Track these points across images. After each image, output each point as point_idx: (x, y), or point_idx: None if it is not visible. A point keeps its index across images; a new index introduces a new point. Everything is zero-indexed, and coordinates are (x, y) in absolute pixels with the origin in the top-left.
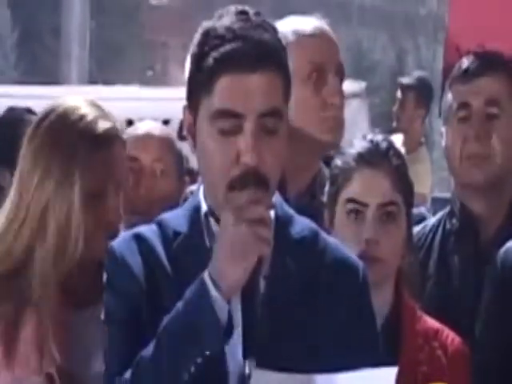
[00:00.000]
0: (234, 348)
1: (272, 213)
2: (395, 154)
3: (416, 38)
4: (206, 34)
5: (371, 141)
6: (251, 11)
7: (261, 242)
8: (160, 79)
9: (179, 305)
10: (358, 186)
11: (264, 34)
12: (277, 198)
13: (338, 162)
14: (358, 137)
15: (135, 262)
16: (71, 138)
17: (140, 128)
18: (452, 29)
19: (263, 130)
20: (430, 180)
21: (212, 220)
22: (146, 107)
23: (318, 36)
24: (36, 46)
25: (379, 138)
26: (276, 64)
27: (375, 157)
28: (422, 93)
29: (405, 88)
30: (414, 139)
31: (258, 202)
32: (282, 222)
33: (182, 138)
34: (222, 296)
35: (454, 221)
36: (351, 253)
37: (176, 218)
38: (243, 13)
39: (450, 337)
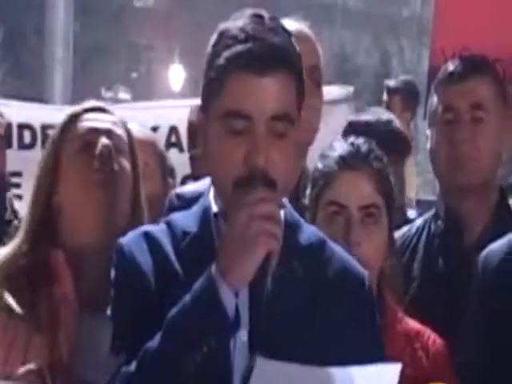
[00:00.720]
0: (240, 342)
1: (282, 215)
2: (376, 158)
3: (400, 40)
4: (221, 35)
5: (352, 144)
6: (267, 15)
7: (269, 238)
8: (145, 81)
9: (186, 297)
10: (339, 188)
11: (277, 37)
12: (286, 204)
13: (319, 164)
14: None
15: (144, 259)
16: None
17: None
18: (437, 31)
19: (273, 133)
20: (413, 184)
21: (222, 221)
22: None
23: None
24: (19, 47)
25: (360, 141)
26: (287, 68)
27: (356, 160)
28: (409, 96)
29: (391, 91)
30: None
31: (268, 199)
32: (291, 228)
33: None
34: (229, 290)
35: (439, 223)
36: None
37: (185, 219)
38: (258, 16)
39: (432, 338)
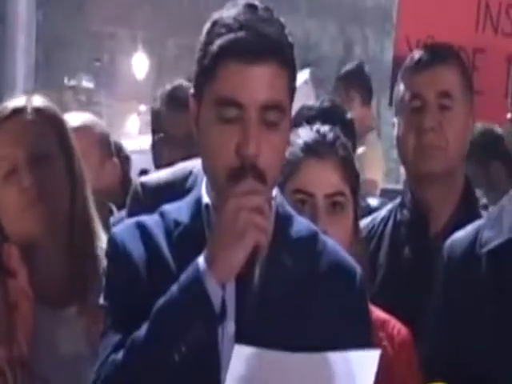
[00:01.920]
0: (227, 334)
1: (273, 208)
2: (342, 145)
3: (364, 29)
4: (214, 23)
5: (318, 131)
6: (260, 6)
7: (257, 230)
8: (107, 70)
9: (173, 288)
10: (304, 176)
11: (270, 27)
12: (278, 196)
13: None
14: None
15: (136, 248)
16: None
17: None
18: (400, 19)
19: (264, 122)
20: (382, 167)
21: (213, 211)
22: None
23: None
24: None
25: (326, 128)
26: (280, 59)
27: (322, 147)
28: (349, 77)
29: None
30: (359, 123)
31: (256, 191)
32: (282, 220)
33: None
34: (216, 281)
35: (405, 212)
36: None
37: (178, 209)
38: (251, 6)
39: (397, 327)
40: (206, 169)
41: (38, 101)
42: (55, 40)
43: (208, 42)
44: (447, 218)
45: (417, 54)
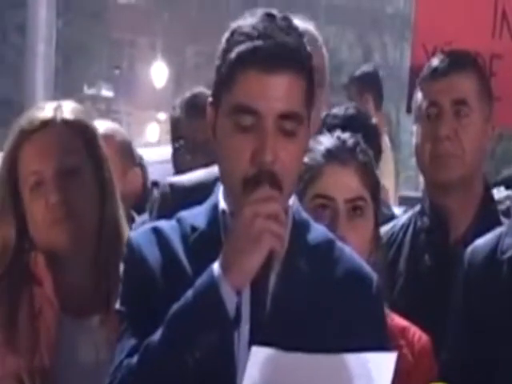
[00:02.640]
0: (242, 339)
1: (289, 215)
2: (362, 151)
3: (383, 36)
4: (233, 32)
5: (338, 137)
6: (279, 15)
7: (273, 237)
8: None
9: (188, 293)
10: (325, 181)
11: (288, 37)
12: (295, 203)
13: (305, 158)
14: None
15: (152, 253)
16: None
17: None
18: (418, 27)
19: (281, 131)
20: (391, 173)
21: (229, 217)
22: None
23: None
24: (1, 44)
25: (346, 135)
26: (297, 68)
27: (343, 153)
28: (362, 80)
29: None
30: None
31: (272, 199)
32: (299, 227)
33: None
34: (231, 287)
35: (425, 219)
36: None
37: (194, 215)
38: (270, 15)
39: (417, 335)
40: (223, 176)
41: (68, 111)
42: (75, 48)
43: (226, 50)
44: (467, 224)
45: (434, 61)
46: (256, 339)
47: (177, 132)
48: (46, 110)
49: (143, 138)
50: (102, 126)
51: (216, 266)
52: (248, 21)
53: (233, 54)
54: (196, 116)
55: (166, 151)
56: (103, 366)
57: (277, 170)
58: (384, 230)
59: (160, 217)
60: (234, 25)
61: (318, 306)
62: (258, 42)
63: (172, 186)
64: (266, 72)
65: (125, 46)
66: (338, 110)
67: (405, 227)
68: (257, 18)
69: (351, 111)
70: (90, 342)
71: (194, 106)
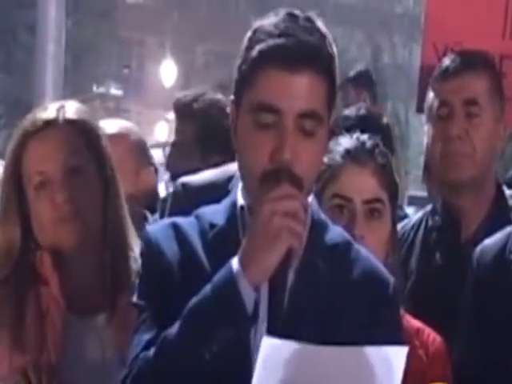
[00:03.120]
0: (260, 335)
1: (308, 214)
2: (381, 153)
3: (392, 36)
4: (255, 31)
5: (357, 139)
6: (301, 15)
7: (291, 235)
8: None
9: (207, 288)
10: (344, 181)
11: (310, 36)
12: (313, 204)
13: (324, 158)
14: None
15: (170, 248)
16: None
17: None
18: (428, 26)
19: (301, 130)
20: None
21: (247, 213)
22: None
23: None
24: (11, 43)
25: (365, 136)
26: (319, 68)
27: (361, 154)
28: (358, 79)
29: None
30: None
31: (291, 197)
32: (317, 227)
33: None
34: (249, 283)
35: (437, 218)
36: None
37: (213, 212)
38: (293, 15)
39: (431, 336)
40: (242, 171)
41: (71, 111)
42: (84, 47)
43: (248, 48)
44: (478, 224)
45: (445, 61)
46: (273, 335)
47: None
48: (48, 111)
49: (152, 136)
50: (115, 124)
51: (235, 262)
52: (270, 20)
53: (254, 52)
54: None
55: None
56: (109, 364)
57: (296, 169)
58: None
59: (172, 216)
60: (256, 24)
61: (335, 305)
62: (280, 40)
63: (184, 185)
64: (287, 70)
65: (134, 45)
66: (349, 112)
67: (416, 226)
68: (279, 17)
69: (363, 112)
70: (96, 341)
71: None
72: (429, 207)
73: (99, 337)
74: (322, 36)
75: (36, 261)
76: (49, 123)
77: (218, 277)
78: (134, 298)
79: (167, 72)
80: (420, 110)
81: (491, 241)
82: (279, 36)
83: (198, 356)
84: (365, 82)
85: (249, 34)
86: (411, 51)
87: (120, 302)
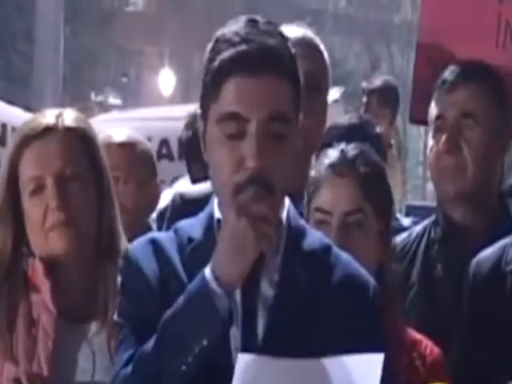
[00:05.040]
0: (234, 344)
1: (283, 220)
2: (364, 162)
3: (390, 46)
4: (216, 41)
5: (342, 150)
6: (261, 20)
7: (262, 239)
8: (134, 85)
9: (180, 299)
10: (325, 194)
11: (270, 39)
12: (291, 209)
13: (312, 172)
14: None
15: (149, 264)
16: None
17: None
18: (423, 40)
19: (270, 134)
20: (398, 185)
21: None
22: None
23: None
24: (10, 51)
25: (350, 146)
26: (282, 70)
27: (342, 166)
28: (385, 94)
29: (368, 92)
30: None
31: (260, 200)
32: (295, 234)
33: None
34: (221, 290)
35: (438, 229)
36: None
37: (191, 226)
38: (253, 21)
39: (429, 347)
40: (215, 186)
41: (70, 118)
42: (82, 55)
43: (211, 59)
44: (479, 236)
45: (445, 73)
46: (248, 343)
47: (191, 153)
48: (47, 117)
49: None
50: (123, 133)
51: (207, 270)
52: (231, 27)
53: (216, 63)
54: None
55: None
56: (100, 373)
57: (266, 173)
58: (400, 238)
59: (171, 226)
60: (217, 33)
61: (315, 313)
62: (241, 47)
63: (183, 197)
64: (249, 76)
65: (132, 54)
66: (342, 121)
67: (419, 237)
68: (239, 24)
69: (353, 121)
70: (88, 349)
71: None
72: (432, 218)
73: (90, 345)
74: (283, 38)
75: (28, 268)
76: (48, 129)
77: (191, 286)
78: (115, 316)
79: (165, 81)
80: (412, 120)
81: (487, 253)
82: (240, 43)
83: (175, 368)
84: (390, 99)
85: (210, 44)
86: (409, 61)
87: (112, 310)
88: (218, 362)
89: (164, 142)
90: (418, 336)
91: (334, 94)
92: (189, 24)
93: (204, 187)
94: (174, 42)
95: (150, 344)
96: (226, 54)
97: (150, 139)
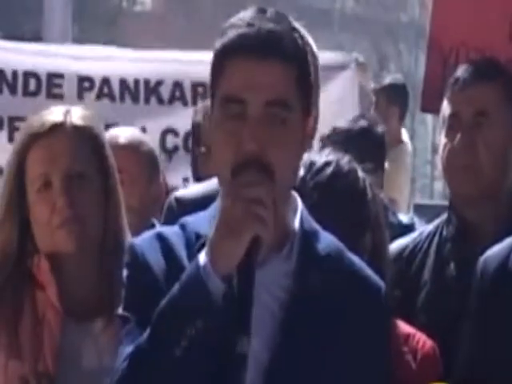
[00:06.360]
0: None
1: (296, 223)
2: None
3: (397, 44)
4: (225, 28)
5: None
6: (271, 9)
7: (257, 221)
8: None
9: (175, 285)
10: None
11: (275, 25)
12: (304, 213)
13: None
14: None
15: (156, 259)
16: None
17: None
18: (434, 30)
19: (268, 118)
20: (404, 182)
21: None
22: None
23: None
24: None
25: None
26: (285, 55)
27: None
28: (394, 91)
29: (377, 91)
30: (391, 137)
31: (256, 183)
32: (308, 237)
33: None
34: (216, 273)
35: (451, 228)
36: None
37: (198, 221)
38: (261, 9)
39: (421, 341)
40: (216, 168)
41: (77, 116)
42: None
43: (217, 43)
44: (492, 235)
45: (458, 71)
46: (242, 326)
47: (198, 137)
48: (55, 114)
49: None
50: (127, 133)
51: (202, 255)
52: (239, 15)
53: (220, 45)
54: None
55: None
56: (106, 370)
57: (265, 157)
58: (401, 242)
59: None
60: (228, 22)
61: (329, 317)
62: (243, 30)
63: (178, 199)
64: (252, 59)
65: None
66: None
67: (431, 236)
68: (248, 12)
69: (357, 127)
70: (93, 347)
71: None
72: (444, 216)
73: (96, 343)
74: (291, 26)
75: (33, 266)
76: (56, 126)
77: (185, 271)
78: (120, 310)
79: None
80: (424, 109)
81: (494, 251)
82: (243, 27)
83: (169, 354)
84: (399, 96)
85: (221, 32)
86: (417, 59)
87: (117, 308)
88: (210, 347)
89: (177, 85)
90: (410, 330)
91: (339, 58)
92: (196, 23)
93: (199, 188)
94: (182, 42)
95: (146, 333)
96: (229, 35)
97: (162, 81)
